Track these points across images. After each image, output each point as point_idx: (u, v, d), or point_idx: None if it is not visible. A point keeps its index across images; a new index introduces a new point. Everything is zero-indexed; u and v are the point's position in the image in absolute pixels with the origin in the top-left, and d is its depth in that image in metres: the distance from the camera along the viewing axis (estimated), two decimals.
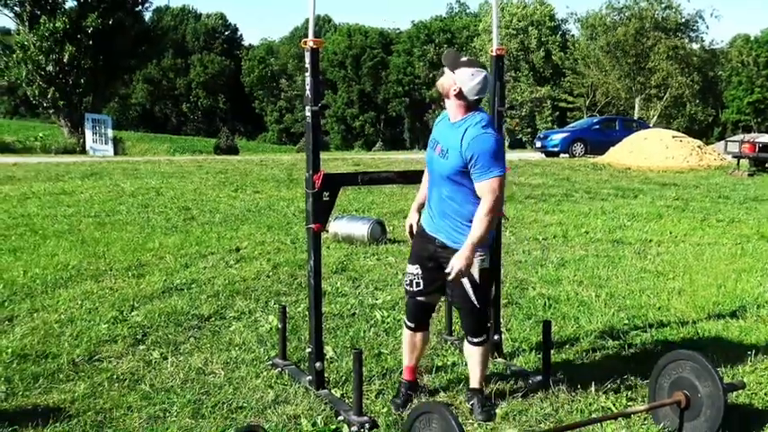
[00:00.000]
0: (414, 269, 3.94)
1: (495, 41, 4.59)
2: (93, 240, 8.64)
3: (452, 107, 3.73)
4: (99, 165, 19.71)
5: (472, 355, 3.99)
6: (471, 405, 3.96)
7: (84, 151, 31.46)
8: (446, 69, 3.71)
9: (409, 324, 4.06)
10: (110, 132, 33.14)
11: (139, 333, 5.19)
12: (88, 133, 32.57)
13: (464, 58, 3.70)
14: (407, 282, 3.98)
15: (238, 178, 16.55)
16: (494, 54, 4.58)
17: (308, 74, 3.94)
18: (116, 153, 32.08)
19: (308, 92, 3.95)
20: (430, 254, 3.88)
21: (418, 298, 3.98)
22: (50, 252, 7.89)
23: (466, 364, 4.62)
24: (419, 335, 4.07)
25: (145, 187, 14.37)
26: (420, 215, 4.09)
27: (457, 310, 4.06)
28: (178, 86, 74.62)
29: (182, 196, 13.21)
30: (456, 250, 3.65)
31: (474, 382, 4.01)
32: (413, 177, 4.69)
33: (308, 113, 3.96)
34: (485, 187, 3.60)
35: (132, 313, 5.65)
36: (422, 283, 3.92)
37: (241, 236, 9.19)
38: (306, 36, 3.87)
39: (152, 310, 5.72)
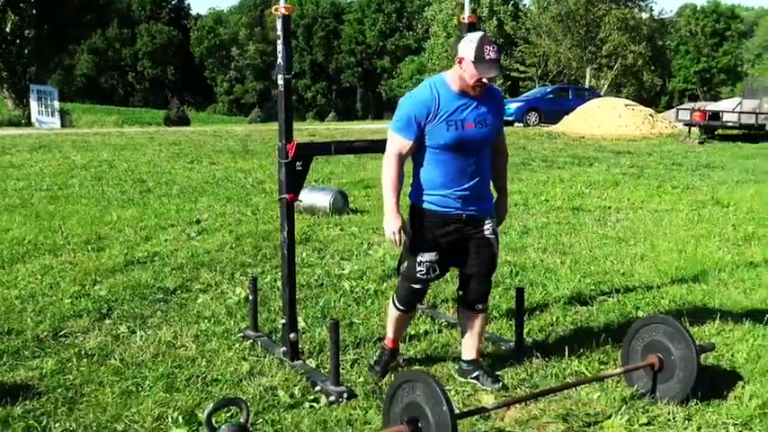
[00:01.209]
0: (432, 256, 3.70)
1: (467, 10, 4.54)
2: (48, 214, 8.42)
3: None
4: (47, 137, 19.19)
5: (477, 324, 3.90)
6: (476, 377, 3.88)
7: (29, 123, 30.54)
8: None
9: (402, 307, 3.90)
10: (56, 104, 32.18)
11: (104, 307, 5.08)
12: (33, 105, 31.57)
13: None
14: (424, 270, 3.71)
15: (193, 150, 16.29)
16: (465, 22, 4.54)
17: (279, 41, 3.84)
18: (63, 125, 31.22)
19: (279, 60, 3.86)
20: (452, 235, 3.71)
21: (428, 284, 3.86)
22: (4, 227, 7.67)
23: (439, 330, 4.64)
24: (411, 313, 4.03)
25: (97, 160, 14.05)
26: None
27: (472, 276, 3.81)
28: (124, 57, 72.85)
29: (136, 168, 12.95)
30: (480, 218, 3.72)
31: (474, 353, 3.93)
32: (384, 146, 4.65)
33: (280, 82, 3.87)
34: (503, 138, 3.90)
35: (95, 287, 5.53)
36: (438, 269, 3.75)
37: (200, 208, 9.06)
38: (275, 2, 3.77)
39: (115, 283, 5.60)
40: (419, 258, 3.71)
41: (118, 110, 49.57)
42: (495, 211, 3.84)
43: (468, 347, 3.94)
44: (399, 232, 3.62)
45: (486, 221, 3.73)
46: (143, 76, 73.66)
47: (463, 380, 3.92)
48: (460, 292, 3.93)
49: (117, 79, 74.24)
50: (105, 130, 25.19)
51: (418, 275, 3.73)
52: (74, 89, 66.47)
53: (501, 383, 3.83)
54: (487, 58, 3.40)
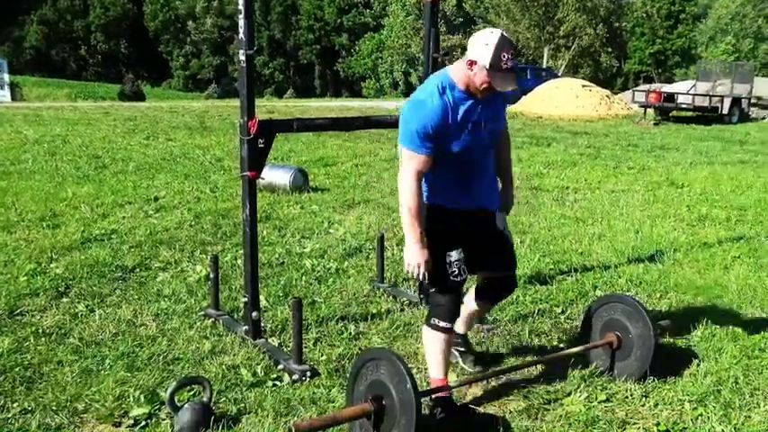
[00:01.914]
0: (458, 254, 3.31)
1: None
2: (0, 190, 8.22)
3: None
4: None
5: (485, 311, 3.92)
6: (461, 352, 3.91)
7: None
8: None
9: (447, 324, 3.33)
10: (6, 77, 31.47)
11: (61, 285, 4.99)
12: None
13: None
14: (456, 271, 3.30)
15: (149, 126, 16.05)
16: (428, 1, 4.52)
17: (241, 16, 3.78)
18: (14, 98, 30.50)
19: (241, 35, 3.79)
20: (468, 230, 3.41)
21: (462, 287, 3.42)
22: None
23: (401, 309, 4.66)
24: (453, 332, 3.46)
25: (50, 134, 13.77)
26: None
27: (497, 279, 3.56)
28: (76, 29, 71.15)
29: (90, 144, 12.72)
30: (493, 211, 3.48)
31: (465, 330, 3.89)
32: (348, 124, 4.64)
33: (242, 57, 3.81)
34: (507, 123, 3.58)
35: (52, 265, 5.42)
36: (466, 267, 3.35)
37: (158, 185, 8.94)
38: None
39: (72, 261, 5.51)
40: (448, 260, 3.29)
41: (70, 84, 48.51)
42: (501, 202, 3.63)
43: (464, 324, 3.82)
44: (424, 265, 3.19)
45: (497, 214, 3.52)
46: (96, 50, 72.07)
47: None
48: (481, 286, 3.64)
49: (69, 52, 72.52)
50: (58, 104, 24.65)
51: (452, 278, 3.29)
52: (23, 61, 64.80)
53: (479, 366, 3.83)
54: (504, 67, 2.99)
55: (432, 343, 3.34)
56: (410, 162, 3.14)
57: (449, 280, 3.29)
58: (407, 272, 3.24)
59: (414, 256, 3.19)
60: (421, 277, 3.22)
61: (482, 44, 2.99)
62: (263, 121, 3.93)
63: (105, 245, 6.04)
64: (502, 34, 3.01)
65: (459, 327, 3.80)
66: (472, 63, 3.03)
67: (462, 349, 3.91)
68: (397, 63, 55.88)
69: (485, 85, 3.06)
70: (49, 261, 5.53)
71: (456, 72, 3.13)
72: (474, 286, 3.70)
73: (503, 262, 3.52)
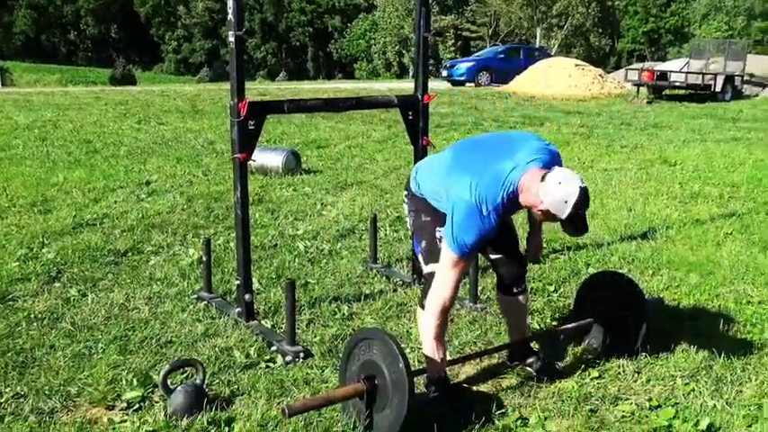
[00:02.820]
0: None
1: None
2: None
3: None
4: None
5: (519, 307, 3.57)
6: (530, 363, 3.57)
7: None
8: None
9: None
10: None
11: (53, 270, 4.97)
12: None
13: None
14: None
15: (140, 110, 15.96)
16: None
17: None
18: (4, 84, 30.32)
19: (230, 16, 3.76)
20: None
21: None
22: None
23: (394, 289, 4.66)
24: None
25: (41, 120, 13.69)
26: None
27: (501, 259, 3.52)
28: (66, 14, 70.61)
29: (81, 129, 12.65)
30: None
31: (524, 334, 3.65)
32: (339, 105, 4.63)
33: (231, 39, 3.78)
34: None
35: (43, 250, 5.40)
36: None
37: (150, 169, 8.90)
38: None
39: (64, 246, 5.49)
40: (438, 235, 3.26)
41: (61, 69, 48.25)
42: (530, 248, 3.65)
43: (518, 334, 3.62)
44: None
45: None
46: (86, 35, 71.56)
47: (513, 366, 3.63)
48: (496, 280, 3.60)
49: (59, 37, 72.00)
50: (48, 89, 24.49)
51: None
52: (13, 48, 64.33)
53: (552, 372, 3.54)
54: (577, 220, 2.91)
55: (430, 314, 3.26)
56: (457, 268, 3.07)
57: (439, 255, 3.24)
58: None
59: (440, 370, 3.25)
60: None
61: (561, 200, 2.83)
62: (254, 103, 3.91)
63: (97, 229, 6.02)
64: (582, 189, 2.85)
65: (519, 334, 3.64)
66: (544, 211, 2.90)
67: (530, 360, 3.59)
68: (390, 44, 55.62)
69: (548, 222, 3.05)
70: (41, 246, 5.51)
71: (526, 194, 2.94)
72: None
73: (504, 243, 3.48)
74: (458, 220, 2.99)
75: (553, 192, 2.84)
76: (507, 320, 3.73)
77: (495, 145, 3.24)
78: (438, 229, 3.28)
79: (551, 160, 3.09)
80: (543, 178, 2.89)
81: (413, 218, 3.43)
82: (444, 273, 3.09)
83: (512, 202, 3.00)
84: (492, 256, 3.53)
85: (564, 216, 2.86)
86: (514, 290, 3.53)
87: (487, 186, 2.97)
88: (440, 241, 3.24)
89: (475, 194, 2.96)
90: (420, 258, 3.37)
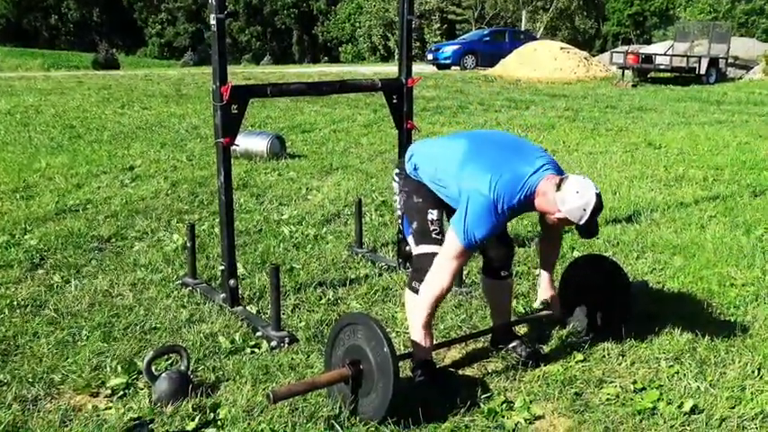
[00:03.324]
0: (438, 214, 3.36)
1: None
2: None
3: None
4: None
5: (505, 292, 3.62)
6: (514, 347, 3.58)
7: None
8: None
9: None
10: None
11: (36, 257, 4.93)
12: None
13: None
14: (436, 229, 3.33)
15: (123, 94, 15.82)
16: None
17: None
18: None
19: None
20: None
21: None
22: None
23: (379, 274, 4.66)
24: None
25: (22, 105, 13.53)
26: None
27: (493, 246, 3.48)
28: None
29: (64, 114, 12.52)
30: None
31: (508, 318, 3.69)
32: (323, 89, 4.60)
33: (212, 22, 3.74)
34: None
35: (25, 236, 5.35)
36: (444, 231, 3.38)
37: (133, 154, 8.83)
38: None
39: (47, 232, 5.44)
40: (429, 216, 3.31)
41: (43, 53, 47.63)
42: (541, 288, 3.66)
43: (502, 318, 3.65)
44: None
45: None
46: (68, 18, 70.72)
47: (497, 350, 3.63)
48: (482, 261, 3.63)
49: (40, 21, 71.13)
50: (30, 74, 24.22)
51: (434, 236, 3.27)
52: None
53: (537, 357, 3.54)
54: (591, 224, 3.01)
55: (413, 306, 3.29)
56: (460, 259, 3.12)
57: (431, 237, 3.28)
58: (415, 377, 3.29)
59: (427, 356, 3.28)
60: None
61: (579, 208, 2.94)
62: (237, 87, 3.88)
63: (80, 215, 5.97)
64: (597, 196, 2.96)
65: (504, 318, 3.66)
66: (562, 218, 3.00)
67: (513, 344, 3.60)
68: (375, 27, 55.35)
69: (563, 225, 3.14)
70: (23, 232, 5.46)
71: (542, 199, 3.01)
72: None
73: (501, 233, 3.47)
74: (472, 214, 3.02)
75: (571, 200, 2.94)
76: (491, 304, 3.74)
77: (513, 146, 3.30)
78: (430, 210, 3.30)
79: (559, 170, 3.17)
80: (559, 187, 2.98)
81: (404, 198, 3.42)
82: (446, 261, 3.10)
83: (524, 205, 3.07)
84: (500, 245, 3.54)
85: (582, 222, 2.98)
86: (502, 273, 3.55)
87: (507, 185, 3.02)
88: (431, 223, 3.28)
89: (494, 191, 3.01)
90: (410, 239, 3.36)
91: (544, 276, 3.65)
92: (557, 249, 3.73)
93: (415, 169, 3.36)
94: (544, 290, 3.66)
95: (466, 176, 3.11)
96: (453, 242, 3.08)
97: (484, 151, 3.22)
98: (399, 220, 3.49)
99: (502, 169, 3.05)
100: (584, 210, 2.94)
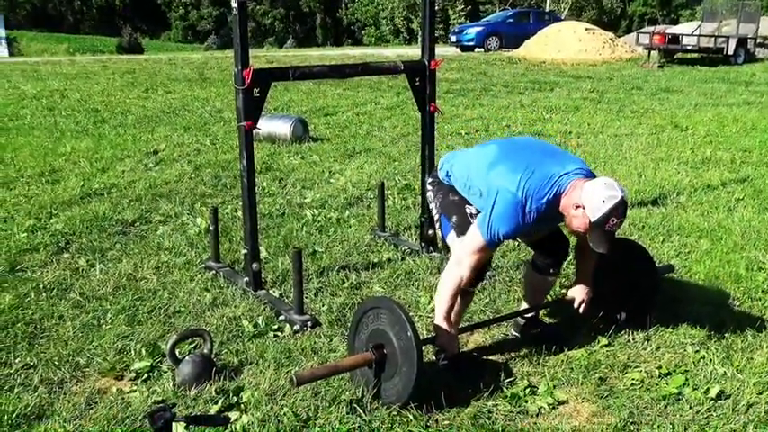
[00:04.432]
0: (477, 210, 3.28)
1: None
2: None
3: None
4: None
5: (546, 287, 3.64)
6: (539, 332, 3.62)
7: None
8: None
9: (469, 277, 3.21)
10: (2, 32, 31.10)
11: (62, 241, 4.97)
12: None
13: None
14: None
15: (147, 78, 15.89)
16: None
17: None
18: (11, 54, 30.23)
19: None
20: None
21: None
22: None
23: (402, 258, 4.64)
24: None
25: (48, 90, 13.64)
26: None
27: (544, 240, 3.50)
28: None
29: (89, 98, 12.61)
30: None
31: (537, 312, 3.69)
32: (345, 71, 4.57)
33: (234, 5, 3.73)
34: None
35: (51, 221, 5.40)
36: None
37: (157, 138, 8.87)
38: None
39: (72, 216, 5.48)
40: (468, 211, 3.26)
41: (68, 38, 48.08)
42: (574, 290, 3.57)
43: (533, 305, 3.64)
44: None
45: None
46: (92, 3, 71.05)
47: (521, 335, 3.63)
48: (532, 255, 3.57)
49: (65, 6, 71.55)
50: (56, 58, 24.38)
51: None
52: (20, 17, 64.02)
53: (561, 342, 3.51)
54: (606, 228, 2.92)
55: (445, 290, 3.17)
56: (480, 254, 3.09)
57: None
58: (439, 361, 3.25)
59: (448, 344, 3.20)
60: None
61: (599, 199, 2.87)
62: (258, 70, 3.87)
63: (105, 199, 6.01)
64: (622, 198, 2.89)
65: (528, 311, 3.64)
66: (579, 206, 2.93)
67: (539, 329, 3.64)
68: (398, 9, 55.04)
69: (578, 230, 3.03)
70: (49, 216, 5.51)
71: (569, 196, 2.98)
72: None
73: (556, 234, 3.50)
74: (499, 210, 3.00)
75: (595, 189, 2.89)
76: (528, 294, 3.68)
77: (544, 150, 3.27)
78: (468, 206, 3.27)
79: (591, 176, 3.10)
80: (589, 180, 2.97)
81: (440, 199, 3.39)
82: (466, 255, 3.09)
83: (553, 207, 3.02)
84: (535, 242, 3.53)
85: (595, 218, 2.88)
86: (551, 271, 3.52)
87: (536, 184, 2.99)
88: (471, 216, 3.23)
89: (523, 189, 2.98)
90: (451, 236, 3.30)
91: (578, 276, 3.59)
92: (593, 257, 3.44)
93: (448, 176, 3.35)
94: (575, 290, 3.56)
95: (495, 175, 3.09)
96: (475, 237, 3.07)
97: (515, 153, 3.20)
98: (437, 224, 3.43)
99: (532, 169, 3.03)
100: (604, 202, 2.86)
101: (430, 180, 3.51)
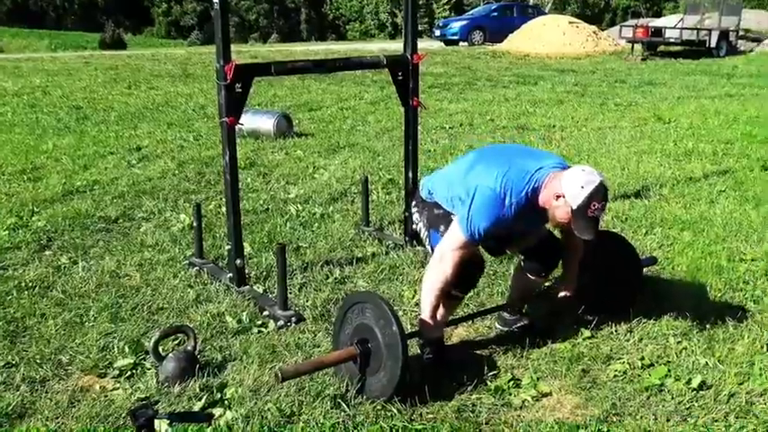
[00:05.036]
0: None
1: None
2: None
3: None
4: None
5: (534, 286, 3.59)
6: (521, 326, 3.59)
7: None
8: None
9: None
10: None
11: (44, 238, 4.94)
12: None
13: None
14: None
15: (130, 74, 15.79)
16: None
17: None
18: None
19: None
20: None
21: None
22: None
23: (386, 252, 4.65)
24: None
25: (29, 86, 13.53)
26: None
27: (535, 245, 3.46)
28: None
29: (71, 95, 12.51)
30: None
31: (522, 306, 3.71)
32: (328, 66, 4.57)
33: (215, 0, 3.72)
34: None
35: (33, 218, 5.36)
36: None
37: (140, 134, 8.83)
38: None
39: (54, 214, 5.45)
40: (454, 218, 3.22)
41: (50, 33, 47.63)
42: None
43: (518, 301, 3.67)
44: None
45: None
46: None
47: (505, 329, 3.62)
48: (522, 257, 3.52)
49: (47, 1, 70.93)
50: (37, 54, 24.18)
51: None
52: (0, 13, 63.43)
53: (545, 334, 3.52)
54: (589, 214, 2.91)
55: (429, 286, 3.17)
56: (460, 251, 3.08)
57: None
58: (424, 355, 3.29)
59: (433, 339, 3.26)
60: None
61: (578, 185, 2.89)
62: (240, 66, 3.85)
63: (87, 196, 5.97)
64: (601, 183, 2.91)
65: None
66: (559, 196, 2.93)
67: (522, 323, 3.60)
68: (383, 3, 54.97)
69: (562, 222, 3.03)
70: (31, 214, 5.46)
71: (548, 189, 2.99)
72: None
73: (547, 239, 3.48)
74: (477, 205, 3.01)
75: (574, 176, 2.92)
76: (515, 290, 3.68)
77: (520, 150, 3.33)
78: (453, 216, 3.23)
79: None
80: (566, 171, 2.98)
81: (426, 215, 3.37)
82: (447, 251, 3.09)
83: (532, 201, 3.03)
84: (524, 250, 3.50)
85: (576, 205, 2.89)
86: (541, 274, 3.50)
87: (514, 178, 3.01)
88: None
89: (501, 184, 3.00)
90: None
91: (564, 270, 3.58)
92: (578, 254, 3.46)
93: (430, 194, 3.36)
94: (560, 284, 3.58)
95: (473, 176, 3.11)
96: (455, 233, 3.08)
97: (492, 156, 3.23)
98: (427, 240, 3.39)
99: (509, 165, 3.05)
100: (583, 188, 2.87)
101: (414, 203, 3.52)
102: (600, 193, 2.90)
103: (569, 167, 3.10)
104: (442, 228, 3.27)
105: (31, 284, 4.14)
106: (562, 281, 3.59)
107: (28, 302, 3.90)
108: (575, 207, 2.91)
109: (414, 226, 3.53)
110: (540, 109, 11.01)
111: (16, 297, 3.97)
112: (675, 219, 5.33)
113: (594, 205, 2.90)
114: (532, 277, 3.50)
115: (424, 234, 3.42)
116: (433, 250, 3.26)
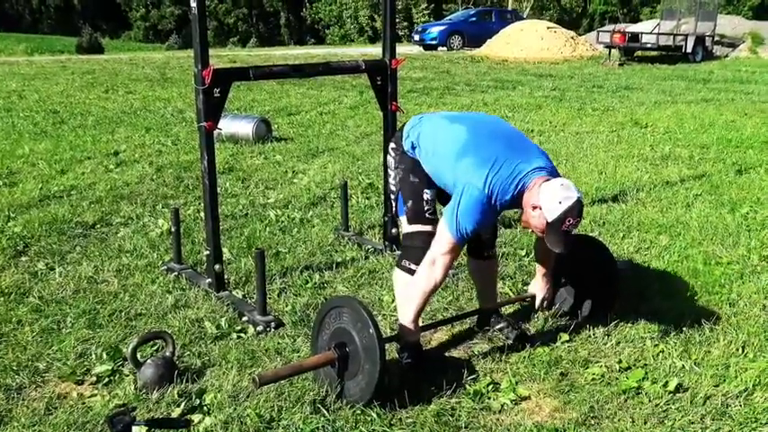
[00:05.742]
0: (432, 194, 3.34)
1: None
2: None
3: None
4: None
5: (490, 271, 3.65)
6: (500, 329, 3.59)
7: None
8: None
9: (417, 268, 3.25)
10: None
11: (20, 244, 4.89)
12: None
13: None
14: (429, 209, 3.32)
15: (108, 79, 15.70)
16: None
17: None
18: None
19: None
20: None
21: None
22: None
23: (366, 257, 4.64)
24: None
25: (5, 90, 13.42)
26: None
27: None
28: None
29: (48, 99, 12.42)
30: None
31: (494, 304, 3.71)
32: (306, 71, 4.57)
33: (193, 4, 3.70)
34: None
35: (9, 224, 5.31)
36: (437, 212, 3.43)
37: (118, 139, 8.77)
38: None
39: (30, 219, 5.39)
40: (425, 196, 3.29)
41: (26, 37, 47.21)
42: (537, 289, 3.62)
43: (487, 298, 3.69)
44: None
45: None
46: (50, 2, 69.93)
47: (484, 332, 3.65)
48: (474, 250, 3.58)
49: (23, 5, 70.30)
50: (13, 58, 23.97)
51: (428, 215, 3.27)
52: None
53: (524, 338, 3.54)
54: (563, 229, 2.95)
55: (402, 286, 3.26)
56: (453, 253, 3.09)
57: (425, 217, 3.27)
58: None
59: (412, 343, 3.29)
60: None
61: (556, 200, 2.91)
62: (219, 70, 3.85)
63: (64, 201, 5.93)
64: (578, 199, 2.94)
65: (485, 305, 3.68)
66: (536, 207, 2.96)
67: (500, 326, 3.60)
68: (362, 8, 55.02)
69: (536, 231, 3.06)
70: (6, 220, 5.41)
71: (529, 193, 3.01)
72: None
73: None
74: (465, 207, 3.02)
75: (553, 190, 2.93)
76: (477, 284, 3.75)
77: (513, 142, 3.23)
78: (426, 190, 3.29)
79: (555, 174, 3.14)
80: (548, 180, 3.00)
81: (400, 175, 3.37)
82: (439, 256, 3.08)
83: (516, 201, 3.07)
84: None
85: (551, 219, 2.92)
86: (485, 254, 3.56)
87: (503, 182, 3.02)
88: (426, 203, 3.28)
89: (489, 185, 3.01)
90: (403, 218, 3.35)
91: (539, 272, 3.61)
92: (553, 255, 3.42)
93: (413, 148, 3.33)
94: (535, 286, 3.63)
95: (462, 168, 3.10)
96: (446, 237, 3.07)
97: (483, 143, 3.17)
98: (393, 195, 3.44)
99: (500, 165, 3.04)
100: (560, 203, 2.89)
101: (393, 146, 3.46)
102: (575, 210, 2.93)
103: (555, 170, 3.15)
104: (409, 203, 3.30)
105: (7, 291, 4.10)
106: (537, 282, 3.62)
107: (4, 309, 3.86)
108: (550, 220, 2.93)
109: (389, 171, 3.48)
110: (519, 114, 11.06)
111: None
112: (652, 222, 5.38)
113: (569, 221, 2.93)
114: (480, 260, 3.59)
115: (392, 185, 3.43)
116: (397, 209, 3.39)
